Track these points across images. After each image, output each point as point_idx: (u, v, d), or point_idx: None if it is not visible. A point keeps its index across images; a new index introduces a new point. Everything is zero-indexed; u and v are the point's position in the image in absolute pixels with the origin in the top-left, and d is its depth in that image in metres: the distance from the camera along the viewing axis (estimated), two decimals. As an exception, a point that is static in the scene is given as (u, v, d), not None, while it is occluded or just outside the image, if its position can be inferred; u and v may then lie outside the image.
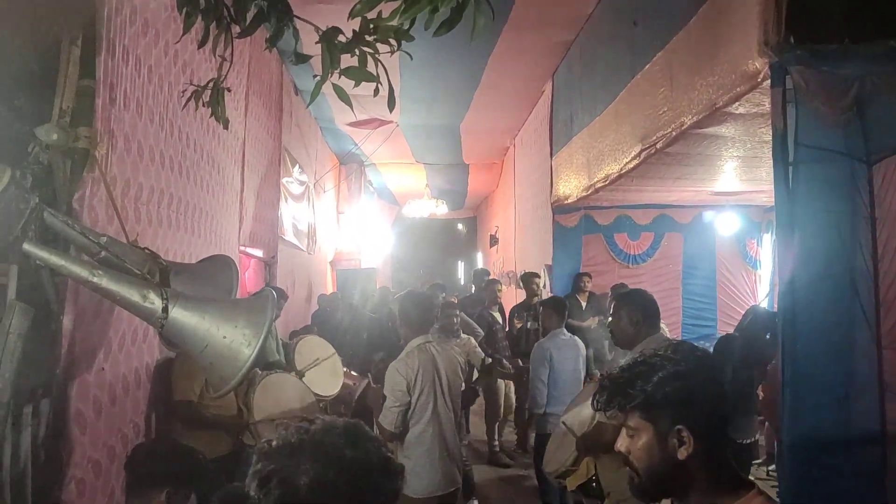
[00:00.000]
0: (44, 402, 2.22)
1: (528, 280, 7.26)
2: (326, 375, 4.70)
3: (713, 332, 8.33)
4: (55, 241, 2.09)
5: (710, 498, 1.35)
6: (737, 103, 3.38)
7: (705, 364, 1.41)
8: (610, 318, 3.34)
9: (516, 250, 11.52)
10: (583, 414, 3.12)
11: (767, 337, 4.51)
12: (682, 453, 1.33)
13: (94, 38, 2.53)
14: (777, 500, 1.39)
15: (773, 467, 5.30)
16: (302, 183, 8.74)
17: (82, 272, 1.85)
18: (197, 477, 2.37)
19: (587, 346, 6.50)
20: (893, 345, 2.59)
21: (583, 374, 5.19)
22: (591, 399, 1.52)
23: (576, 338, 5.33)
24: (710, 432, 1.36)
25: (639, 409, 1.36)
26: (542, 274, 8.30)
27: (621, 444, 1.41)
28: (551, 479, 3.45)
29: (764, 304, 8.32)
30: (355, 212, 13.15)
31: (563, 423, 3.07)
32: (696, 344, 1.57)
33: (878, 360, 2.57)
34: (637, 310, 3.09)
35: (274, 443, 1.07)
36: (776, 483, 5.09)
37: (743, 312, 5.59)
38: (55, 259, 1.87)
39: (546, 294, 7.69)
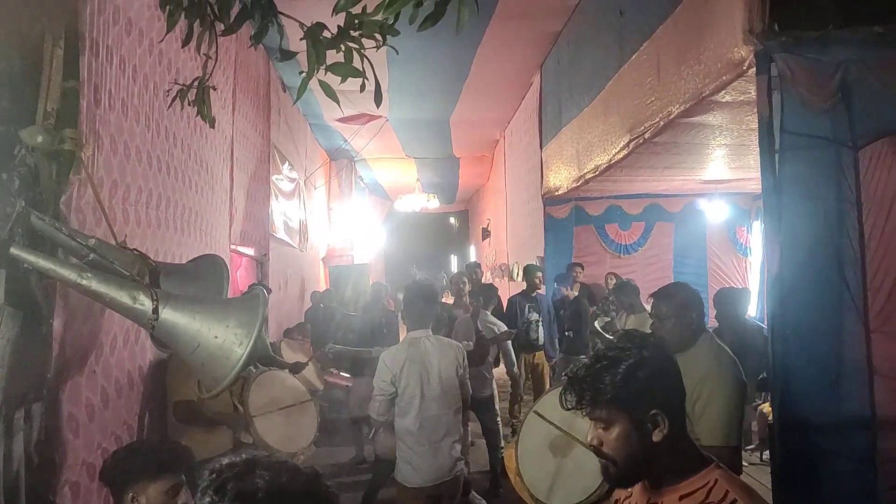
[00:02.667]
0: (35, 406, 2.21)
1: (530, 273, 7.23)
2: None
3: (705, 321, 8.37)
4: (43, 244, 2.08)
5: (678, 474, 1.41)
6: (723, 91, 3.39)
7: (664, 348, 1.48)
8: (651, 322, 2.98)
9: (508, 242, 11.54)
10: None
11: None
12: (658, 435, 1.39)
13: (77, 39, 2.51)
14: (737, 477, 1.45)
15: (767, 453, 5.35)
16: (292, 180, 8.71)
17: (71, 275, 1.84)
18: (163, 469, 2.24)
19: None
20: (882, 328, 2.61)
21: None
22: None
23: (493, 321, 5.69)
24: (677, 412, 1.43)
25: (611, 400, 1.39)
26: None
27: (592, 437, 1.45)
28: None
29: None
30: (346, 208, 13.12)
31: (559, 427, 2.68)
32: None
33: (866, 343, 2.59)
34: (690, 308, 2.77)
35: (224, 461, 1.09)
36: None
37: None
38: (43, 262, 1.86)
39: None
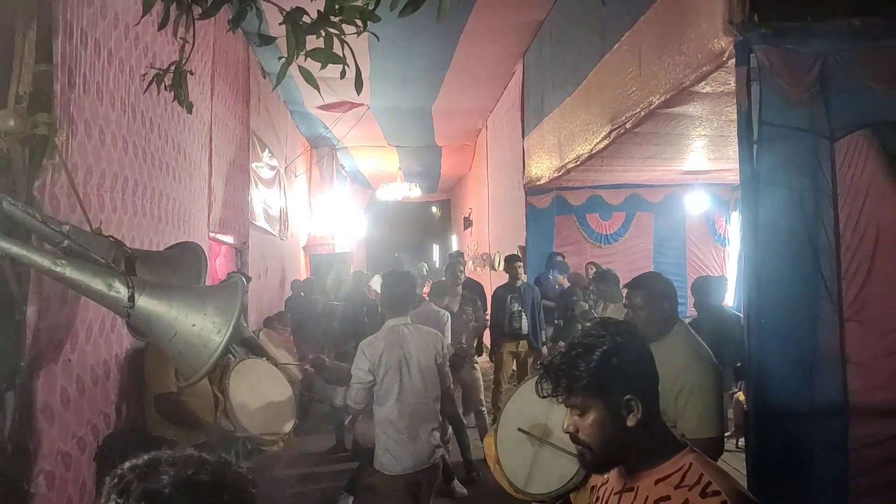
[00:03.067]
0: (9, 394, 2.18)
1: (510, 263, 7.24)
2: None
3: (683, 311, 8.46)
4: (16, 230, 2.04)
5: (653, 459, 1.43)
6: (703, 82, 3.42)
7: (637, 334, 1.51)
8: (626, 311, 2.98)
9: (490, 232, 11.56)
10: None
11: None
12: (632, 420, 1.41)
13: (51, 21, 2.45)
14: (711, 461, 1.46)
15: (742, 440, 5.44)
16: (272, 167, 8.63)
17: (45, 262, 1.81)
18: None
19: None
20: (855, 317, 2.66)
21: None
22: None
23: (436, 310, 5.55)
24: (650, 397, 1.45)
25: (587, 387, 1.41)
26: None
27: (568, 424, 1.46)
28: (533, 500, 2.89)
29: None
30: (327, 196, 13.04)
31: (522, 430, 2.74)
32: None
33: (840, 332, 2.64)
34: (663, 298, 2.77)
35: (126, 464, 1.04)
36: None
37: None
38: (16, 249, 1.82)
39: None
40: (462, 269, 6.68)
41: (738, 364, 4.67)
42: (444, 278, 6.51)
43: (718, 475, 1.36)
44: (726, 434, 5.61)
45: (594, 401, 1.42)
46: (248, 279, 6.14)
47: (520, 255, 7.87)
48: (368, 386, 3.35)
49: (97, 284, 1.84)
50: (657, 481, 1.41)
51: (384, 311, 3.56)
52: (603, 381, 1.40)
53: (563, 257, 7.79)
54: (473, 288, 7.05)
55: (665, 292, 2.80)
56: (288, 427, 3.77)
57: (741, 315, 5.48)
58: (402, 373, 3.33)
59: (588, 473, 2.66)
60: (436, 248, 23.84)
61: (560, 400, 1.46)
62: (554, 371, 1.45)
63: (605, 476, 1.59)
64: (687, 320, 5.60)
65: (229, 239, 6.52)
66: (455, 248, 18.53)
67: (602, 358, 1.40)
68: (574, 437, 1.46)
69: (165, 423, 3.30)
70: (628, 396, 1.41)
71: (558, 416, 2.74)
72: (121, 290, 1.85)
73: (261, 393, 3.78)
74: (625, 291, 2.98)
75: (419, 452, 3.35)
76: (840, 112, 2.70)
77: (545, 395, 1.47)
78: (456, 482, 5.21)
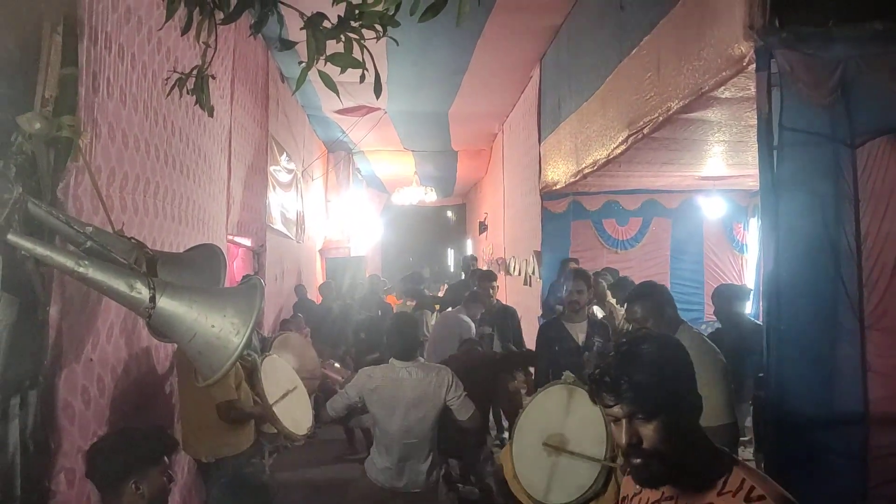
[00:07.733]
0: (31, 392, 2.21)
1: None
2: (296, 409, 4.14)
3: (700, 317, 8.38)
4: (40, 231, 2.07)
5: (696, 463, 1.39)
6: (723, 87, 3.39)
7: (675, 341, 1.49)
8: (625, 320, 3.06)
9: (505, 237, 11.54)
10: (591, 429, 2.74)
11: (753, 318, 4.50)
12: (698, 417, 1.39)
13: (76, 25, 2.50)
14: (754, 469, 1.42)
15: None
16: (290, 171, 8.69)
17: (68, 262, 1.84)
18: (158, 453, 2.31)
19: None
20: (877, 325, 2.62)
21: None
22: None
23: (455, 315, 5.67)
24: (698, 392, 1.42)
25: (655, 386, 1.33)
26: (528, 262, 8.31)
27: (630, 435, 1.35)
28: None
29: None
30: (344, 200, 13.10)
31: (547, 444, 2.77)
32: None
33: (861, 340, 2.61)
34: (665, 304, 2.82)
35: None
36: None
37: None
38: (40, 249, 1.85)
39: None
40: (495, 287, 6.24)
41: (761, 374, 4.61)
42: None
43: (760, 479, 1.33)
44: (744, 439, 5.57)
45: (663, 401, 1.34)
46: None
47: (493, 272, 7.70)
48: (351, 404, 3.51)
49: (119, 285, 1.87)
50: (698, 488, 1.37)
51: (388, 351, 3.62)
52: (666, 382, 1.35)
53: (578, 263, 7.73)
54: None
55: (665, 298, 2.91)
56: (310, 420, 3.87)
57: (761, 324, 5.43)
58: (389, 415, 3.40)
59: (607, 481, 2.68)
60: (451, 253, 23.80)
61: (623, 411, 1.36)
62: (613, 378, 1.35)
63: (637, 486, 1.50)
64: (704, 328, 5.55)
65: (247, 242, 6.57)
66: (470, 252, 18.47)
67: (658, 357, 1.36)
68: (636, 450, 1.35)
69: (217, 427, 3.44)
70: (691, 393, 1.39)
71: (574, 425, 2.78)
72: (142, 291, 1.87)
73: (285, 390, 3.86)
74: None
75: (407, 480, 3.43)
76: (862, 117, 2.67)
77: (610, 404, 1.37)
78: (466, 488, 5.18)
